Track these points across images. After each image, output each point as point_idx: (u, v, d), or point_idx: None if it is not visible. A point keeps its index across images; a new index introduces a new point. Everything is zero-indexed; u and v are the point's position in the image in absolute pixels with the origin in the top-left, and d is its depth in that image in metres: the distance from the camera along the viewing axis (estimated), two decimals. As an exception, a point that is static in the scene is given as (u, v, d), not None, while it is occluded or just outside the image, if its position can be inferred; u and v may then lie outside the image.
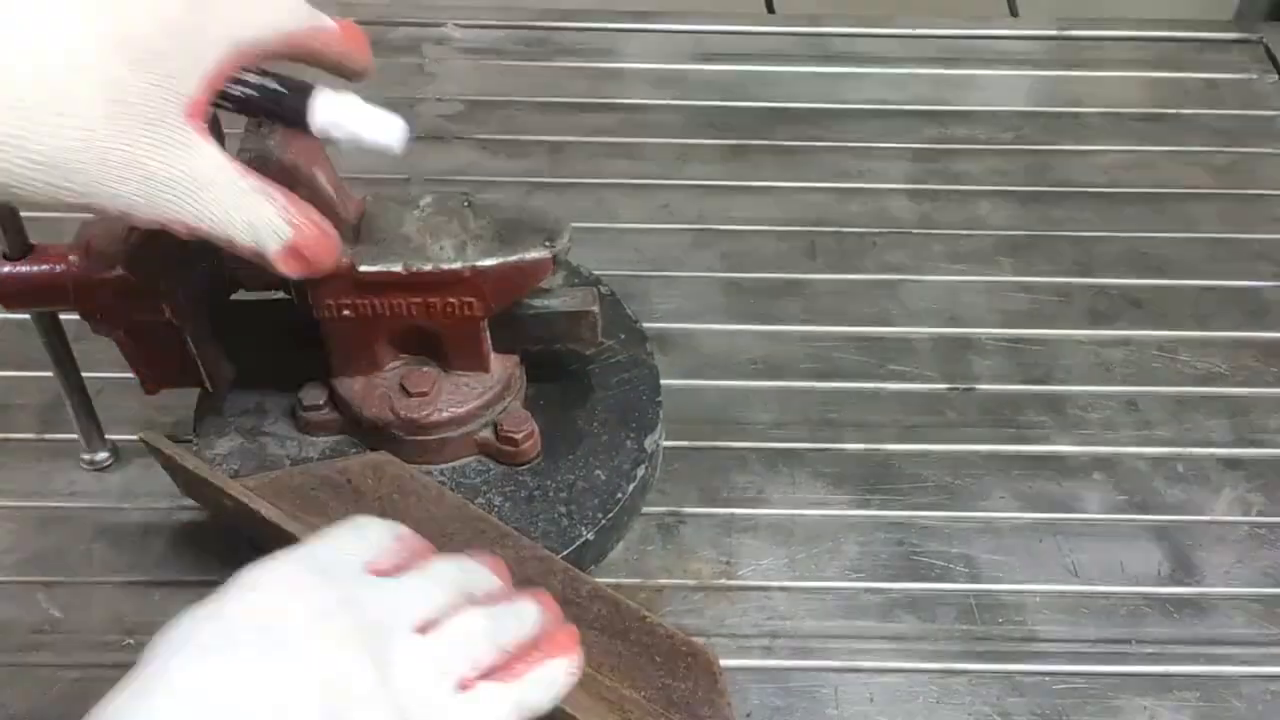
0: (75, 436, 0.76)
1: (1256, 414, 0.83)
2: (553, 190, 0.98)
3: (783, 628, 0.71)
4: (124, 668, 0.44)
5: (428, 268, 0.66)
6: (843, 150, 1.03)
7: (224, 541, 0.71)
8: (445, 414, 0.71)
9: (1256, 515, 0.78)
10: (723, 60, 1.11)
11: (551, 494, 0.72)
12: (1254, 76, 1.11)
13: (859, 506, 0.77)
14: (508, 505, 0.71)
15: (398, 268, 0.66)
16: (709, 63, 1.11)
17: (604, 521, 0.72)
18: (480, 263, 0.67)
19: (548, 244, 0.68)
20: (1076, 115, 1.07)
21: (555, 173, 1.00)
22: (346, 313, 0.68)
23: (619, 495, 0.73)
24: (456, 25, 1.14)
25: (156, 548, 0.73)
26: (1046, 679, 0.70)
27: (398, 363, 0.72)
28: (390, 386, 0.71)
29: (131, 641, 0.69)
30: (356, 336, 0.69)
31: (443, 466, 0.73)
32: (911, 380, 0.85)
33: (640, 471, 0.74)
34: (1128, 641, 0.71)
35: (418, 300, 0.67)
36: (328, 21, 0.57)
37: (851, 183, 1.00)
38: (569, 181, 0.99)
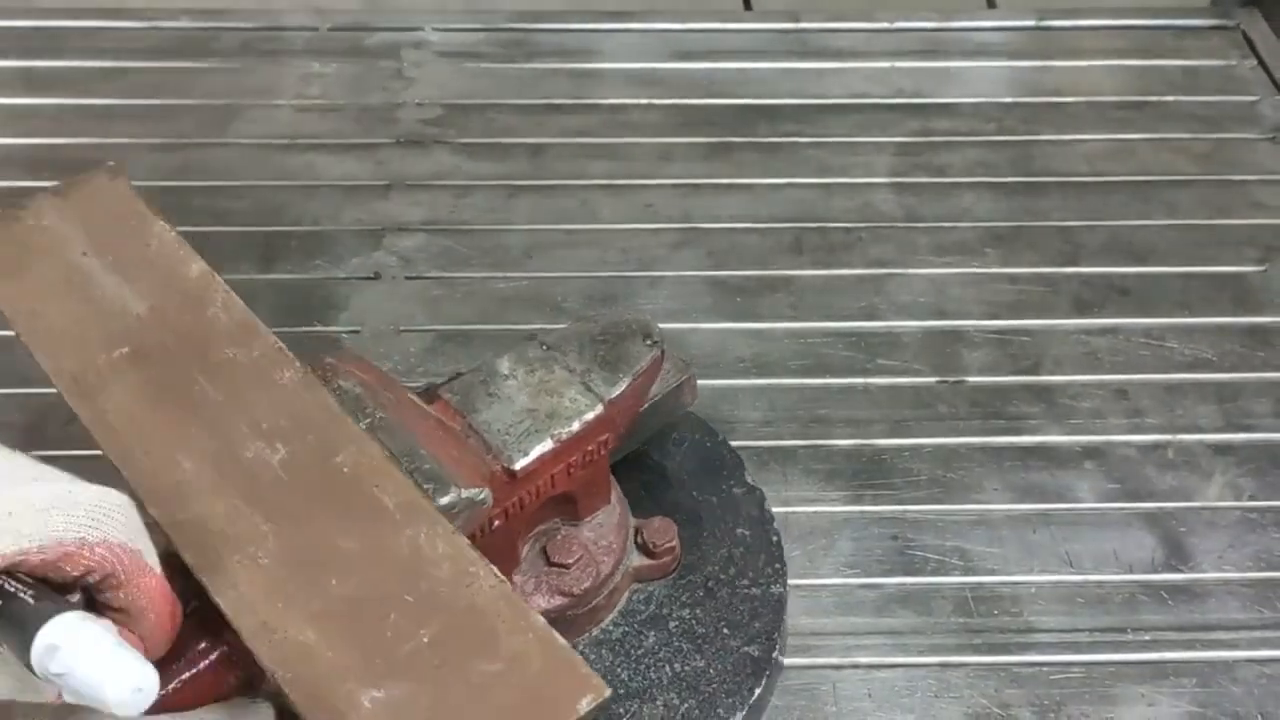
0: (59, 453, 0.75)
1: (1245, 399, 0.83)
2: (535, 193, 0.98)
3: (779, 626, 0.71)
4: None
5: (575, 427, 0.60)
6: (825, 145, 1.03)
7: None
8: (606, 562, 0.65)
9: (1248, 500, 0.78)
10: (702, 58, 1.11)
11: (724, 576, 0.68)
12: (1233, 62, 1.12)
13: (851, 503, 0.77)
14: (700, 612, 0.66)
15: (548, 444, 0.59)
16: (688, 61, 1.11)
17: (781, 568, 0.68)
18: (614, 393, 0.61)
19: (648, 341, 0.64)
20: (1057, 105, 1.07)
21: (537, 175, 0.99)
22: (498, 523, 0.59)
23: (775, 539, 0.69)
24: (434, 29, 1.13)
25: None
26: (1044, 669, 0.69)
27: (525, 547, 0.64)
28: (539, 573, 0.63)
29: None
30: (504, 543, 0.61)
31: (613, 616, 0.66)
32: (900, 374, 0.85)
33: (768, 510, 0.71)
34: (1123, 630, 0.71)
35: (560, 467, 0.61)
36: (78, 544, 0.44)
37: (835, 178, 1.00)
38: (551, 183, 0.99)
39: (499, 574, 0.48)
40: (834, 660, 0.70)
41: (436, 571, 0.47)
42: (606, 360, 0.63)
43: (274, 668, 0.45)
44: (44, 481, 0.45)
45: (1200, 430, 0.82)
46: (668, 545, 0.67)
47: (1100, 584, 0.73)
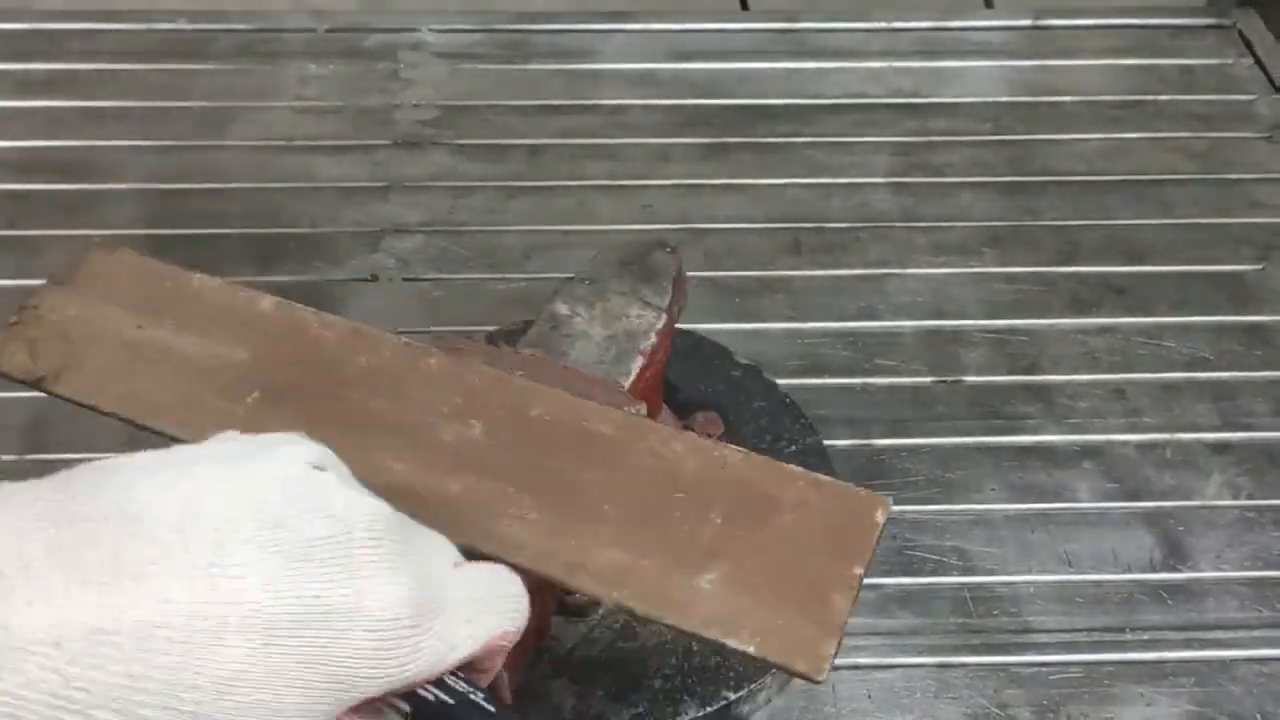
0: (60, 456, 0.75)
1: (1243, 398, 0.84)
2: (533, 194, 0.98)
3: (778, 627, 0.71)
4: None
5: (652, 338, 0.64)
6: (822, 145, 1.03)
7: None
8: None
9: (1245, 499, 0.78)
10: (699, 59, 1.11)
11: (764, 446, 0.73)
12: (1229, 61, 1.12)
13: (850, 502, 0.77)
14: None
15: (640, 360, 0.63)
16: (686, 61, 1.11)
17: (807, 421, 0.76)
18: (667, 300, 0.66)
19: (667, 249, 0.68)
20: (1054, 104, 1.07)
21: (535, 176, 0.99)
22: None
23: (788, 400, 0.77)
24: (431, 30, 1.13)
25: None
26: (1043, 669, 0.69)
27: None
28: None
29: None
30: None
31: None
32: (899, 374, 0.85)
33: (769, 379, 0.78)
34: (1122, 629, 0.71)
35: (643, 381, 0.63)
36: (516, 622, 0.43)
37: (833, 178, 1.00)
38: (549, 184, 0.99)
39: (740, 448, 0.51)
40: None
41: (687, 467, 0.50)
42: (644, 275, 0.67)
43: (604, 593, 0.47)
44: (466, 567, 0.42)
45: (1198, 429, 0.82)
46: (719, 435, 0.71)
47: (1099, 584, 0.73)
